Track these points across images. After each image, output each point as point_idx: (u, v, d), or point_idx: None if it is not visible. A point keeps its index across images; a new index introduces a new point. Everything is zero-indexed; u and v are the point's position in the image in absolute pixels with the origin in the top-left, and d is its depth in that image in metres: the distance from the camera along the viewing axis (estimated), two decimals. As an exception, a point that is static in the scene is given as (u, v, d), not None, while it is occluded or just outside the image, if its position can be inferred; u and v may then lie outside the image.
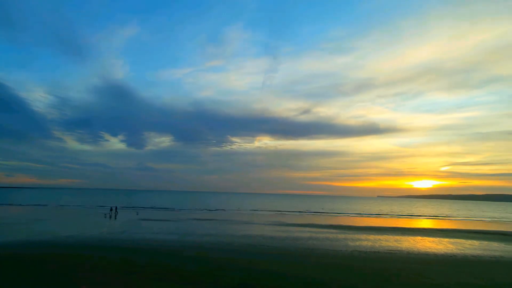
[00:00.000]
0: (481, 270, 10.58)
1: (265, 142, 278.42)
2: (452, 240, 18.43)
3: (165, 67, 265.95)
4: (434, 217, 43.81)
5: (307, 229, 22.47)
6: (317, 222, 28.55)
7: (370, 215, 43.45)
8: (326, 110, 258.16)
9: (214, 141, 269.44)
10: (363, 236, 19.09)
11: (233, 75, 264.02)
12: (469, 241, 17.94)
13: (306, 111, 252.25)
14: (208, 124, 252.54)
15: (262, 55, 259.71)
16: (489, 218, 44.07)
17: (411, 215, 45.24)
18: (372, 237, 18.77)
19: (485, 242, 17.69)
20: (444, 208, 77.85)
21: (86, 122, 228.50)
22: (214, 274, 8.75)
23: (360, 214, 43.84)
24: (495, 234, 22.38)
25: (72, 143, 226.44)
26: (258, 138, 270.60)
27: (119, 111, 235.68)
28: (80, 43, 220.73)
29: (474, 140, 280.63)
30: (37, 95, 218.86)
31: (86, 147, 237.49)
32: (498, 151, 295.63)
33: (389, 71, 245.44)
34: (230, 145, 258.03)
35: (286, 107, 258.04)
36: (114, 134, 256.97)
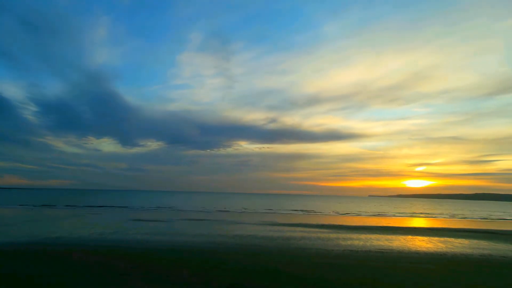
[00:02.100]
0: (471, 268, 10.65)
1: (243, 145, 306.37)
2: (442, 238, 18.61)
3: (135, 85, 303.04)
4: (424, 216, 44.41)
5: (299, 228, 22.43)
6: (309, 222, 28.59)
7: (361, 214, 43.78)
8: (290, 120, 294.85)
9: (197, 145, 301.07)
10: (354, 235, 19.13)
11: (196, 91, 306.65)
12: (459, 240, 18.15)
13: (273, 120, 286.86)
14: (188, 130, 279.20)
15: (216, 75, 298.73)
16: (477, 216, 44.90)
17: (402, 214, 45.76)
18: (363, 236, 18.81)
19: (475, 241, 17.90)
20: (433, 207, 79.13)
21: (74, 126, 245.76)
22: (206, 274, 8.59)
23: (352, 214, 44.13)
24: (484, 233, 22.71)
25: (61, 145, 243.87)
26: (237, 142, 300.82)
27: (104, 117, 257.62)
28: (63, 66, 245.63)
29: (430, 144, 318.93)
30: (27, 105, 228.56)
31: (76, 149, 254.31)
32: (459, 153, 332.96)
33: (330, 89, 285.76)
34: (210, 149, 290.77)
35: (254, 118, 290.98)
36: (102, 137, 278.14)
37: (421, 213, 51.10)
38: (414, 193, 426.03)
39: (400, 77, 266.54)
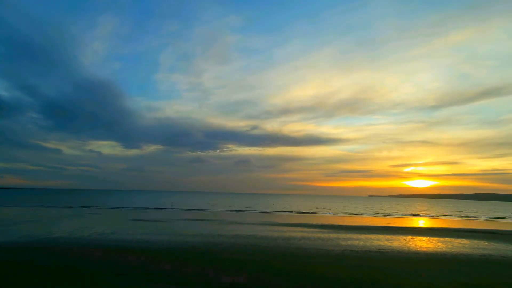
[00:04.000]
0: (471, 268, 10.64)
1: (232, 148, 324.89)
2: (442, 239, 18.60)
3: (124, 96, 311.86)
4: (424, 216, 44.39)
5: (299, 229, 22.41)
6: (308, 222, 28.55)
7: (361, 214, 43.74)
8: (271, 127, 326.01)
9: (189, 147, 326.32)
10: (354, 235, 19.11)
11: (177, 101, 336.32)
12: (459, 240, 18.13)
13: (255, 127, 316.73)
14: (180, 134, 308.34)
15: (191, 90, 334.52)
16: (477, 216, 44.89)
17: (402, 214, 45.75)
18: (363, 236, 18.80)
19: (475, 241, 17.89)
20: (433, 207, 79.10)
21: (74, 129, 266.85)
22: (206, 274, 8.57)
23: (351, 214, 44.10)
24: (484, 233, 22.70)
25: (61, 147, 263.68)
26: (225, 145, 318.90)
27: (102, 120, 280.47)
28: (61, 79, 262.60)
29: (406, 147, 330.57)
30: (29, 109, 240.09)
31: (75, 151, 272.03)
32: (438, 155, 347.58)
33: (296, 101, 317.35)
34: (201, 151, 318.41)
35: (236, 125, 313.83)
36: (101, 139, 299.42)
37: (421, 213, 51.09)
38: (414, 193, 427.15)
39: (351, 91, 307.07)
